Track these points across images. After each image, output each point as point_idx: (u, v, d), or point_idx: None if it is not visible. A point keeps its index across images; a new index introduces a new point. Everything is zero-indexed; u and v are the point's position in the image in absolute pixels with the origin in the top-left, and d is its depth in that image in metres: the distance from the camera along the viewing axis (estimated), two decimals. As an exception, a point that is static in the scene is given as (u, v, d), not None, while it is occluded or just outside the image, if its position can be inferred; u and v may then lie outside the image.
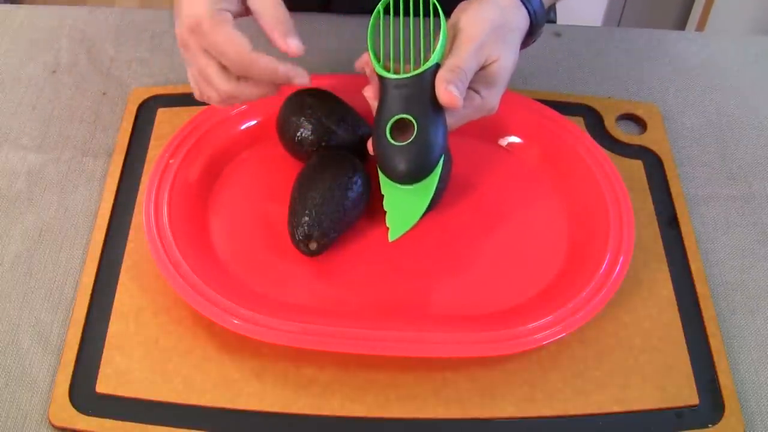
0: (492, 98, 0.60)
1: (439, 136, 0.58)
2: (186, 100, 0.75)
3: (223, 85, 0.58)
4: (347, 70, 0.80)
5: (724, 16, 1.54)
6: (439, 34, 0.58)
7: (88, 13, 0.84)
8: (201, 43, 0.57)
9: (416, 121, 0.57)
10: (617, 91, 0.80)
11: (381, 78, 0.59)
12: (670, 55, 0.84)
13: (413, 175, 0.59)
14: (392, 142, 0.58)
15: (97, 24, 0.83)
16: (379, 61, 0.59)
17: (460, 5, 0.61)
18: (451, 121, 0.59)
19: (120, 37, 0.82)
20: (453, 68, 0.56)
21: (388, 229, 0.62)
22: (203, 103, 0.71)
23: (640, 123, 0.77)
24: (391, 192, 0.61)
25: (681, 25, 1.66)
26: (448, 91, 0.55)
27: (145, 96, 0.76)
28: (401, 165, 0.58)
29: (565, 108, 0.75)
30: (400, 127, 0.58)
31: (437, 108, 0.57)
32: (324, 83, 0.70)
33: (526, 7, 0.61)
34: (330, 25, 0.83)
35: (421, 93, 0.58)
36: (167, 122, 0.74)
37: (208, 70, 0.58)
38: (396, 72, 0.59)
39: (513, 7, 0.60)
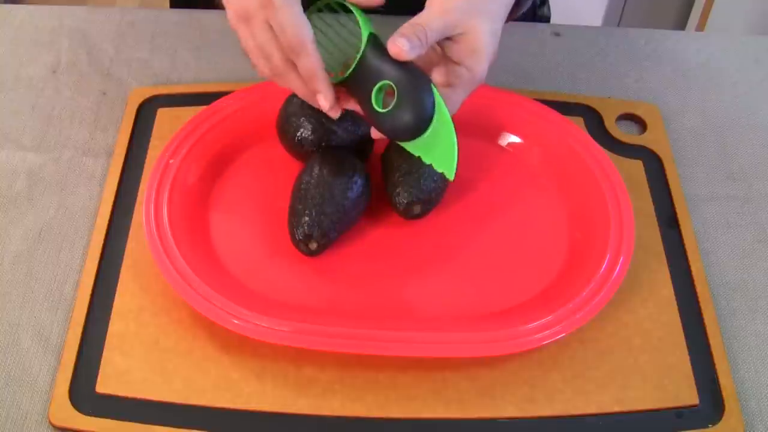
0: (477, 67, 0.59)
1: (417, 79, 0.58)
2: (186, 100, 0.75)
3: (281, 64, 0.59)
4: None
5: (724, 16, 1.54)
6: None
7: (88, 13, 0.84)
8: (268, 18, 0.57)
9: (393, 82, 0.58)
10: (617, 91, 0.80)
11: (340, 83, 0.60)
12: (670, 55, 0.84)
13: (421, 122, 0.58)
14: (384, 110, 0.58)
15: (97, 24, 0.83)
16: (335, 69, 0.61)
17: None
18: (449, 103, 0.59)
19: (120, 37, 0.82)
20: (411, 23, 0.57)
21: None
22: (203, 103, 0.72)
23: (640, 123, 0.77)
24: (418, 148, 0.60)
25: (681, 25, 1.66)
26: (395, 40, 0.56)
27: (145, 96, 0.76)
28: (405, 120, 0.58)
29: (565, 108, 0.75)
30: (387, 98, 0.59)
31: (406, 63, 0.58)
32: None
33: None
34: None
35: (381, 61, 0.58)
36: (167, 122, 0.74)
37: (269, 47, 0.58)
38: (347, 66, 0.60)
39: None
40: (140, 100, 0.75)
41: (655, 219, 0.69)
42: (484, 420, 0.58)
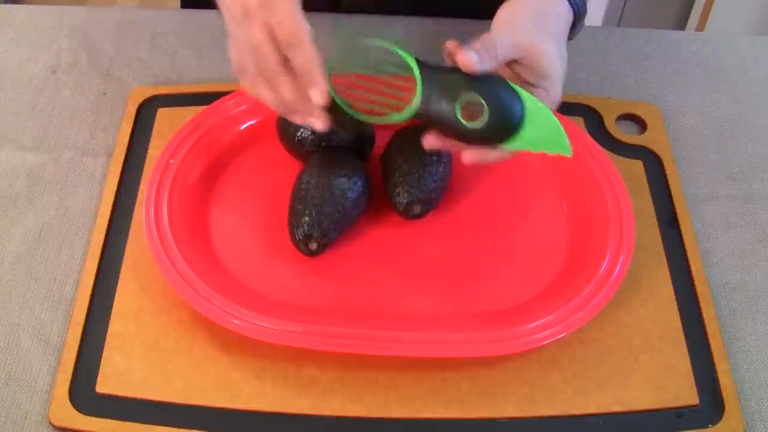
0: (554, 90, 0.60)
1: (495, 81, 0.58)
2: (186, 99, 0.75)
3: (275, 62, 0.58)
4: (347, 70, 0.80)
5: (724, 16, 1.54)
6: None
7: (88, 13, 0.84)
8: (265, 16, 0.57)
9: (476, 94, 0.57)
10: (617, 91, 0.80)
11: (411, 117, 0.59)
12: (670, 55, 0.84)
13: (518, 118, 0.58)
14: (476, 124, 0.58)
15: (97, 24, 0.83)
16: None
17: (498, 13, 0.61)
18: None
19: (120, 37, 0.82)
20: (481, 39, 0.58)
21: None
22: (203, 103, 0.72)
23: (640, 123, 0.77)
24: (522, 143, 0.59)
25: (681, 25, 1.66)
26: (465, 52, 0.56)
27: (145, 96, 0.76)
28: (504, 123, 0.58)
29: (565, 108, 0.74)
30: (467, 111, 0.58)
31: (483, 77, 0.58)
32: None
33: None
34: (330, 25, 0.83)
35: (447, 82, 0.58)
36: (167, 122, 0.74)
37: (265, 46, 0.57)
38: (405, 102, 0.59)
39: None
40: (140, 100, 0.75)
41: (655, 219, 0.69)
42: (484, 420, 0.58)
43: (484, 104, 0.57)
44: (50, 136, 0.74)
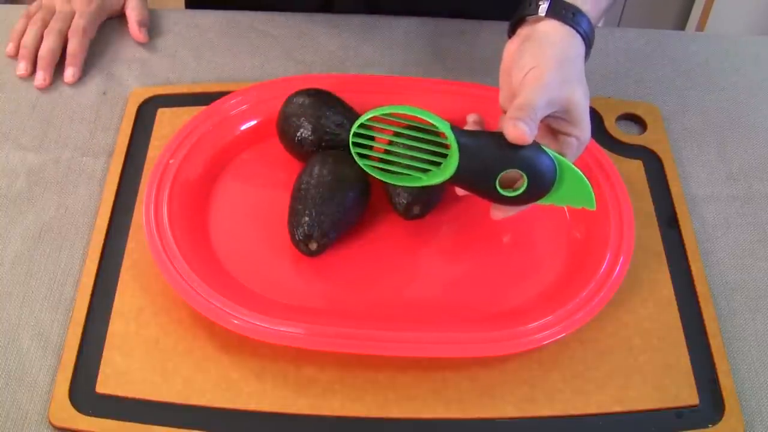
0: (584, 132, 0.60)
1: (532, 152, 0.57)
2: (186, 99, 0.75)
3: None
4: (347, 70, 0.80)
5: (724, 16, 1.54)
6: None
7: (88, 13, 0.84)
8: None
9: (516, 169, 0.57)
10: (617, 91, 0.80)
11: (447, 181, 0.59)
12: (670, 55, 0.84)
13: (550, 186, 0.59)
14: (514, 193, 0.58)
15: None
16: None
17: (508, 48, 0.61)
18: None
19: (120, 37, 0.82)
20: (520, 106, 0.56)
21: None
22: (203, 103, 0.72)
23: (640, 123, 0.77)
24: (551, 199, 0.60)
25: (681, 25, 1.66)
26: (515, 126, 0.55)
27: (145, 96, 0.76)
28: (538, 193, 0.59)
29: (565, 108, 0.75)
30: (504, 180, 0.58)
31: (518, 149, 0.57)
32: (324, 83, 0.70)
33: (578, 32, 0.60)
34: (330, 25, 0.83)
35: (484, 150, 0.57)
36: (167, 122, 0.74)
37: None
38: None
39: (567, 37, 0.59)
40: (140, 100, 0.75)
41: (655, 219, 0.69)
42: (484, 420, 0.58)
43: (525, 177, 0.57)
44: (50, 136, 0.74)
